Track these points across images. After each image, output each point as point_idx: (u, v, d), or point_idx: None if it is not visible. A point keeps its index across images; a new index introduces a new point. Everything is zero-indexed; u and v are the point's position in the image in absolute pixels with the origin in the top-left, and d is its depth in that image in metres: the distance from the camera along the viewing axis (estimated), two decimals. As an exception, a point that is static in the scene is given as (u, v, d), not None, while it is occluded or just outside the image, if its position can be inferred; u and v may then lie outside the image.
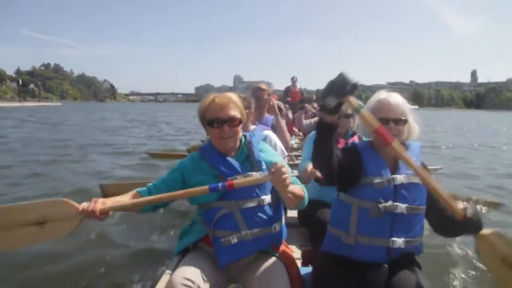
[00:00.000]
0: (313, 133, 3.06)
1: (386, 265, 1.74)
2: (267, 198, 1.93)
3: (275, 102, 4.40)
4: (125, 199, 1.85)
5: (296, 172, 3.40)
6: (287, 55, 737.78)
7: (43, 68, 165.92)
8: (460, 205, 1.61)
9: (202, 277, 1.76)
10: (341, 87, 1.52)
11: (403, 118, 1.81)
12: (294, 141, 5.45)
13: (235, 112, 1.93)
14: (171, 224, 4.54)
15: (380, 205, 1.73)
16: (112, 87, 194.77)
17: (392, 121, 1.79)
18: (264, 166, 1.97)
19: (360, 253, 1.78)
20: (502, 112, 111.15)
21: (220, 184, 1.72)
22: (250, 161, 1.99)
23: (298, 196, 1.84)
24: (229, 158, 1.97)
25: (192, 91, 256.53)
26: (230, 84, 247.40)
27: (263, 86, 4.13)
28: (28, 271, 3.35)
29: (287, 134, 4.07)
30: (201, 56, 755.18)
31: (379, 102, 1.85)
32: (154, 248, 3.97)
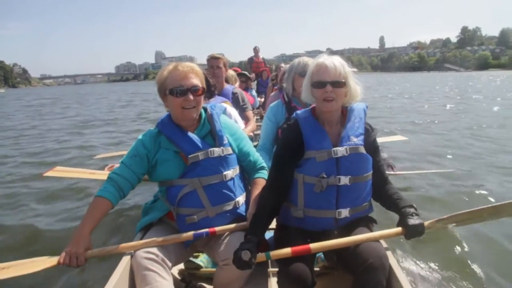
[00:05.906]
0: (272, 106, 3.05)
1: (335, 232, 1.78)
2: (229, 173, 1.90)
3: (233, 73, 4.51)
4: (92, 220, 1.75)
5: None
6: (208, 27, 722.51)
7: None
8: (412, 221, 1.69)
9: (167, 250, 1.75)
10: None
11: (341, 80, 1.75)
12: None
13: (197, 81, 1.87)
14: (133, 202, 4.47)
15: (323, 180, 1.72)
16: (25, 71, 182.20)
17: (329, 84, 1.74)
18: (225, 141, 1.93)
19: (310, 224, 1.81)
20: (399, 74, 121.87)
21: (204, 232, 1.80)
22: (212, 135, 1.95)
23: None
24: (190, 134, 1.90)
25: (113, 70, 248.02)
26: (152, 60, 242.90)
27: (217, 55, 3.87)
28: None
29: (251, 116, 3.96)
30: (119, 35, 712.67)
31: (316, 66, 1.81)
32: (116, 226, 3.89)
